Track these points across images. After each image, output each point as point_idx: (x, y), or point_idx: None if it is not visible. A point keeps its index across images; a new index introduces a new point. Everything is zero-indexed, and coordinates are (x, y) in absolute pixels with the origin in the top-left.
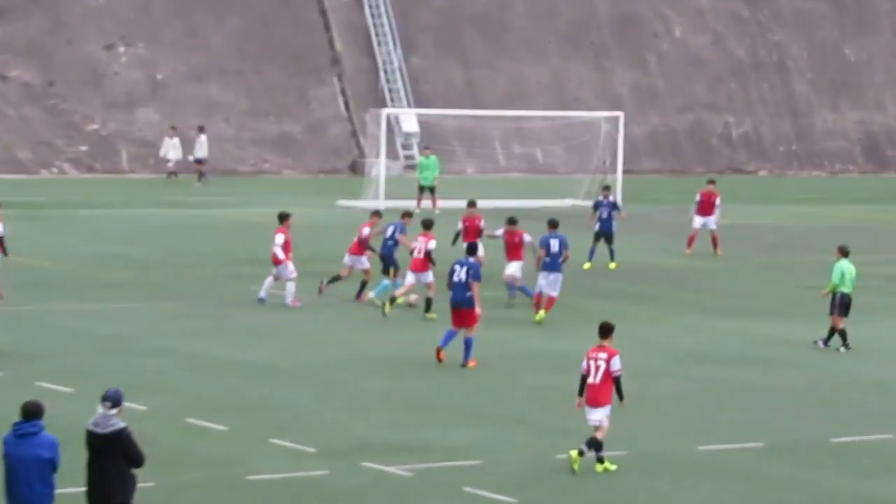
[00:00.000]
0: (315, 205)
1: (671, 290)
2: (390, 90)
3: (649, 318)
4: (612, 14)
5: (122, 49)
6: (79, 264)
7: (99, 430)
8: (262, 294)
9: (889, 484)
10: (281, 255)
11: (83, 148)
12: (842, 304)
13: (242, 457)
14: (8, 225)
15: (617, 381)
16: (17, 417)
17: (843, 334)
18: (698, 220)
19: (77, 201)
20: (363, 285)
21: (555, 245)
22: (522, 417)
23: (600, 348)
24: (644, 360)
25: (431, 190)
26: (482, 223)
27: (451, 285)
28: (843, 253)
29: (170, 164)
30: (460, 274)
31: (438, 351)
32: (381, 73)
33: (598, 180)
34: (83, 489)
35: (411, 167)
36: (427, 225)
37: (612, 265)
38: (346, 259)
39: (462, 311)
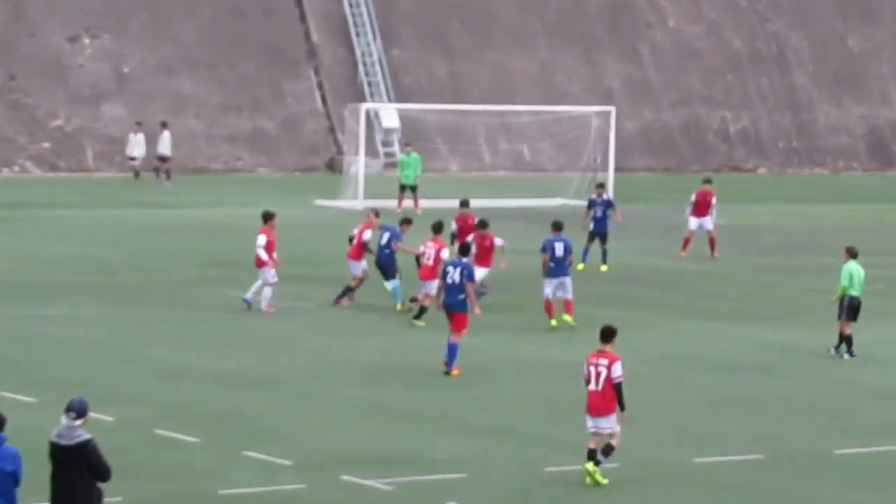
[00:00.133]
0: (291, 205)
1: (665, 293)
2: (370, 84)
3: (642, 323)
4: (602, 3)
5: (87, 41)
6: (42, 268)
7: (63, 441)
8: (248, 295)
9: (895, 498)
10: (264, 256)
11: (46, 145)
12: (850, 308)
13: (215, 470)
14: None
15: (617, 389)
16: None
17: (848, 340)
18: (694, 222)
19: (40, 201)
20: (348, 290)
21: (559, 249)
22: (510, 428)
23: (601, 353)
24: (637, 367)
25: (413, 189)
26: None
27: (445, 287)
28: (852, 254)
29: (135, 163)
30: (454, 275)
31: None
32: (360, 66)
33: (589, 178)
34: None
35: (392, 165)
36: (437, 229)
37: (604, 268)
38: (353, 268)
39: (453, 313)
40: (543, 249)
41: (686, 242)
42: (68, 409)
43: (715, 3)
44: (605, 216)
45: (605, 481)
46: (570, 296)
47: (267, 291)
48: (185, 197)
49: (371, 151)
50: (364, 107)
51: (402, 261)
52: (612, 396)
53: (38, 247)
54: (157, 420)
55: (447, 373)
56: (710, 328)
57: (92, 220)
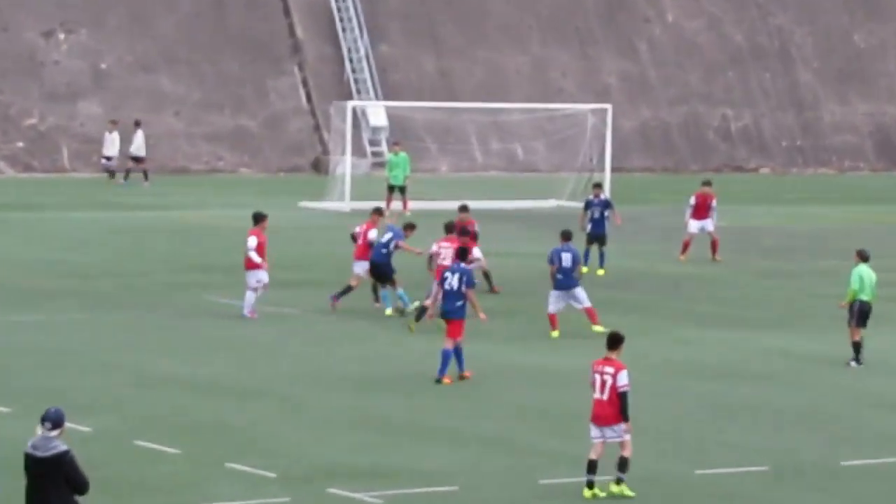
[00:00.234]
0: (275, 206)
1: (664, 298)
2: (356, 81)
3: (640, 330)
4: None
5: (62, 36)
6: (15, 272)
7: (39, 453)
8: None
9: None
10: (257, 258)
11: (20, 144)
12: (860, 314)
13: (196, 482)
14: None
15: (622, 398)
16: None
17: (857, 347)
18: (694, 225)
19: (13, 203)
20: (348, 289)
21: (567, 259)
22: (503, 438)
23: (606, 361)
24: (634, 375)
25: (402, 190)
26: (477, 228)
27: (443, 294)
28: (863, 257)
29: (111, 162)
30: (452, 281)
31: (461, 375)
32: (347, 63)
33: (584, 179)
34: None
35: (380, 165)
36: (450, 228)
37: (600, 272)
38: (357, 268)
39: (451, 320)
40: (551, 260)
41: (686, 246)
42: (44, 420)
43: None
44: (603, 217)
45: (633, 494)
46: (587, 304)
47: (250, 296)
48: (165, 198)
49: (358, 151)
50: (351, 104)
51: (403, 264)
52: (619, 406)
53: (11, 250)
54: (135, 431)
55: (438, 380)
56: (710, 334)
57: (68, 222)
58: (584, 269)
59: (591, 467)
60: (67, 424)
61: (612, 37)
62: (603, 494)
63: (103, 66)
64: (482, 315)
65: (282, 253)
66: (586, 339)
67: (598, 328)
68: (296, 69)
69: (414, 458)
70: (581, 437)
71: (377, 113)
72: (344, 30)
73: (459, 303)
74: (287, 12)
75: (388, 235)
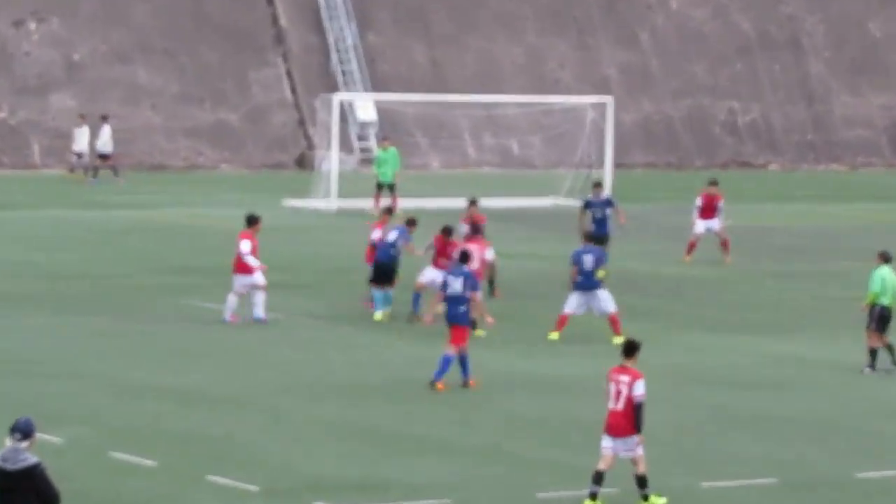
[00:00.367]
0: (257, 205)
1: (668, 302)
2: (343, 72)
3: (643, 335)
4: None
5: (33, 26)
6: None
7: (8, 466)
8: (261, 314)
9: None
10: (255, 262)
11: None
12: (881, 318)
13: (174, 496)
14: None
15: (637, 409)
16: None
17: (873, 353)
18: (700, 224)
19: None
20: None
21: (588, 261)
22: (498, 449)
23: (622, 370)
24: None
25: (391, 187)
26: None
27: (445, 299)
28: (885, 259)
29: (82, 159)
30: (455, 285)
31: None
32: (333, 53)
33: (583, 176)
34: None
35: (368, 161)
36: (476, 229)
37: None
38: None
39: (454, 326)
40: (573, 262)
41: (691, 247)
42: (13, 430)
43: None
44: (605, 217)
45: (662, 501)
46: (611, 309)
47: (232, 300)
48: (141, 196)
49: (345, 146)
50: (337, 97)
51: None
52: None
53: None
54: (110, 442)
55: (432, 383)
56: (717, 340)
57: (38, 221)
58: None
59: (598, 478)
60: (38, 435)
61: (613, 25)
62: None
63: (76, 57)
64: (489, 319)
65: (265, 254)
66: (585, 344)
67: (618, 340)
68: (279, 60)
69: (404, 469)
70: (581, 448)
71: (365, 106)
72: (330, 18)
73: (463, 308)
74: (270, 0)
75: (393, 234)
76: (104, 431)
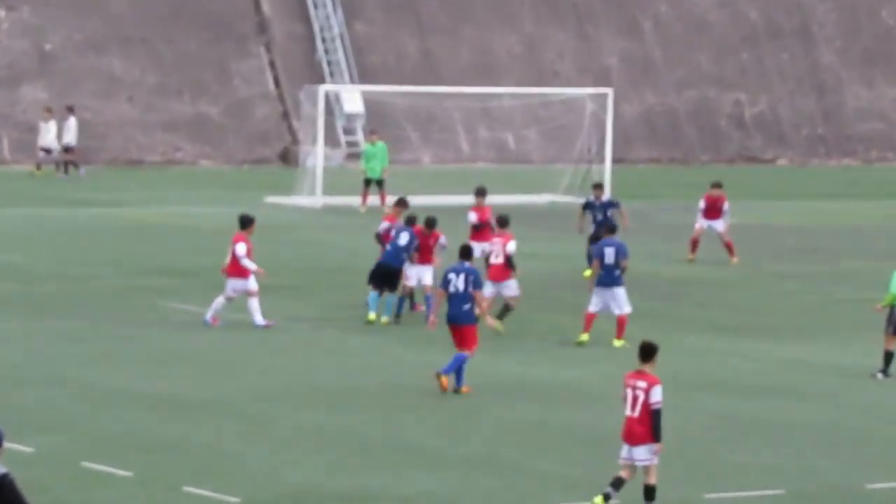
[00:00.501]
0: (238, 202)
1: (670, 304)
2: (329, 63)
3: (644, 338)
4: None
5: (2, 13)
6: None
7: None
8: (261, 321)
9: None
10: (253, 266)
11: None
12: None
13: None
14: None
15: (654, 416)
16: None
17: (888, 357)
18: (703, 221)
19: None
20: (410, 296)
21: (610, 255)
22: (491, 458)
23: (639, 374)
24: None
25: (379, 183)
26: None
27: (447, 297)
28: None
29: (50, 154)
30: (457, 283)
31: (457, 391)
32: (319, 42)
33: (582, 172)
34: None
35: (355, 156)
36: (503, 223)
37: (587, 272)
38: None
39: (459, 327)
40: (594, 255)
41: (694, 244)
42: None
43: None
44: (606, 220)
45: None
46: (623, 310)
47: (220, 301)
48: (117, 193)
49: (331, 140)
50: (323, 89)
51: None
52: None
53: None
54: (84, 451)
55: (438, 375)
56: (722, 343)
57: (8, 219)
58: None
59: (617, 483)
60: (7, 444)
61: (614, 13)
62: None
63: (48, 46)
64: (490, 321)
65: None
66: (584, 348)
67: (618, 343)
68: (262, 50)
69: (393, 480)
70: (579, 458)
71: (352, 98)
72: (315, 6)
73: (467, 306)
74: None
75: (405, 236)
76: (78, 440)
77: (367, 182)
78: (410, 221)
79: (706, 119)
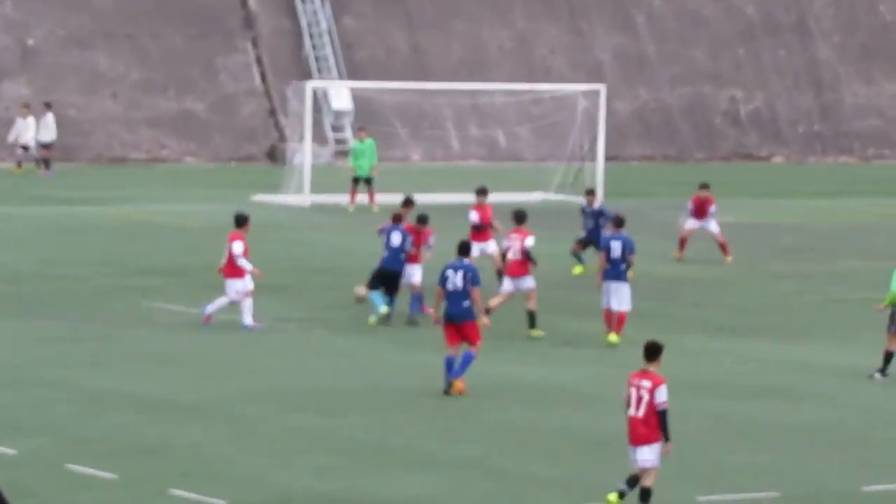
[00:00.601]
0: (225, 200)
1: (664, 304)
2: (317, 58)
3: (637, 340)
4: None
5: None
6: None
7: None
8: (249, 322)
9: None
10: (248, 266)
11: None
12: None
13: None
14: None
15: (661, 416)
16: None
17: (888, 357)
18: (693, 222)
19: None
20: (419, 297)
21: (616, 249)
22: (483, 461)
23: (644, 374)
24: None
25: (368, 181)
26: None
27: (445, 294)
28: None
29: (29, 152)
30: (455, 280)
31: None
32: (306, 38)
33: (575, 170)
34: None
35: (343, 153)
36: (520, 218)
37: (578, 269)
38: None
39: (461, 324)
40: (601, 248)
41: (682, 243)
42: None
43: None
44: (598, 227)
45: None
46: (624, 307)
47: (222, 302)
48: (101, 192)
49: (318, 137)
50: (310, 85)
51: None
52: (656, 424)
53: None
54: (68, 453)
55: (449, 387)
56: (716, 344)
57: None
58: (580, 270)
59: (632, 481)
60: None
61: (607, 8)
62: None
63: (31, 41)
64: (485, 319)
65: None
66: (577, 348)
67: (613, 338)
68: (248, 45)
69: (383, 483)
70: (571, 460)
71: (340, 94)
72: (303, 1)
73: (466, 303)
74: None
75: (398, 237)
76: (62, 442)
77: (356, 180)
78: (398, 219)
79: (701, 116)
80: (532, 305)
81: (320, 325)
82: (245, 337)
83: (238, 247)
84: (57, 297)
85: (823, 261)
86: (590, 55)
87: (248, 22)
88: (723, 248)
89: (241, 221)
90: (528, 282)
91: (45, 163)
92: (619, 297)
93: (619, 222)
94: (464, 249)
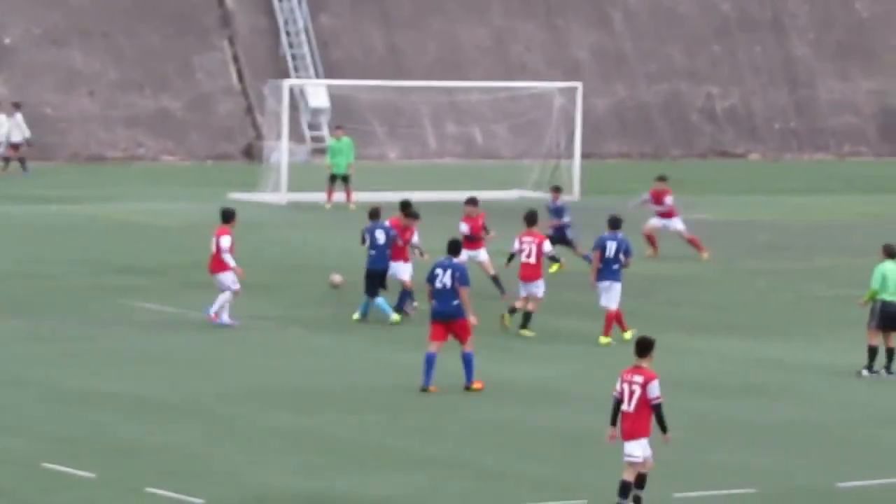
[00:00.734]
0: (201, 199)
1: (641, 302)
2: (294, 57)
3: (614, 338)
4: None
5: None
6: None
7: None
8: (224, 318)
9: None
10: (232, 263)
11: None
12: (883, 315)
13: None
14: None
15: (657, 410)
16: None
17: (872, 353)
18: (655, 220)
19: None
20: (408, 294)
21: (611, 248)
22: (462, 460)
23: (636, 370)
24: (608, 388)
25: (345, 179)
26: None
27: (433, 293)
28: (889, 254)
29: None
30: (444, 279)
31: (425, 390)
32: (283, 36)
33: (551, 167)
34: None
35: (320, 151)
36: (532, 220)
37: (554, 268)
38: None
39: (451, 322)
40: (594, 247)
41: (650, 241)
42: None
43: None
44: (563, 225)
45: None
46: (612, 307)
47: (223, 297)
48: (78, 190)
49: (295, 136)
50: (287, 83)
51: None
52: (644, 419)
53: None
54: (45, 453)
55: (468, 387)
56: (694, 342)
57: None
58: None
59: (623, 489)
60: None
61: (583, 6)
62: None
63: (7, 40)
64: (472, 318)
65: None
66: (559, 346)
67: (605, 340)
68: (225, 44)
69: (361, 482)
70: (547, 458)
71: (317, 93)
72: None
73: (456, 301)
74: None
75: (382, 235)
76: (38, 442)
77: (333, 178)
78: (374, 215)
79: (677, 113)
80: (533, 308)
81: (297, 323)
82: (223, 336)
83: (226, 241)
84: (34, 296)
85: (799, 258)
86: (566, 53)
87: (225, 20)
88: (694, 244)
89: (228, 217)
90: (540, 287)
91: (21, 162)
92: (610, 296)
93: (615, 223)
94: (454, 248)
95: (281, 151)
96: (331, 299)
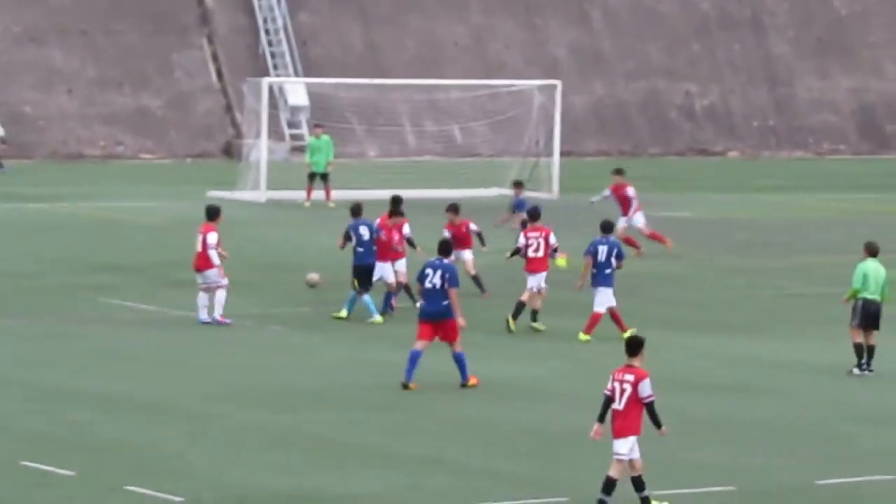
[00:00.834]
0: (181, 197)
1: (621, 300)
2: (273, 55)
3: (595, 335)
4: None
5: None
6: None
7: None
8: (204, 316)
9: None
10: (217, 259)
11: None
12: (865, 314)
13: None
14: None
15: (649, 408)
16: None
17: (870, 351)
18: (621, 221)
19: None
20: (405, 289)
21: (603, 252)
22: (440, 458)
23: (627, 369)
24: (589, 386)
25: (324, 177)
26: (474, 227)
27: (423, 292)
28: (871, 252)
29: None
30: (434, 279)
31: (406, 386)
32: (262, 34)
33: (531, 165)
34: None
35: (299, 149)
36: (535, 215)
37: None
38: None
39: (440, 322)
40: (585, 253)
41: (629, 242)
42: None
43: None
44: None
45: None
46: (600, 310)
47: (221, 295)
48: (56, 188)
49: (275, 134)
50: (266, 82)
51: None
52: (635, 417)
53: None
54: (23, 451)
55: (464, 384)
56: (673, 340)
57: None
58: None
59: (607, 486)
60: None
61: (562, 4)
62: None
63: None
64: (461, 320)
65: (189, 250)
66: (538, 344)
67: (585, 337)
68: (204, 42)
69: (339, 479)
70: (528, 456)
71: (296, 91)
72: None
73: (445, 302)
74: None
75: (366, 231)
76: (17, 440)
77: (312, 176)
78: (357, 212)
79: (656, 111)
80: (538, 304)
81: (276, 321)
82: (201, 334)
83: (213, 237)
84: (12, 295)
85: (778, 256)
86: (545, 50)
87: (204, 18)
88: (656, 238)
89: (213, 214)
90: (544, 279)
91: None
92: (600, 298)
93: (607, 227)
94: (444, 249)
95: (260, 149)
96: (310, 298)
